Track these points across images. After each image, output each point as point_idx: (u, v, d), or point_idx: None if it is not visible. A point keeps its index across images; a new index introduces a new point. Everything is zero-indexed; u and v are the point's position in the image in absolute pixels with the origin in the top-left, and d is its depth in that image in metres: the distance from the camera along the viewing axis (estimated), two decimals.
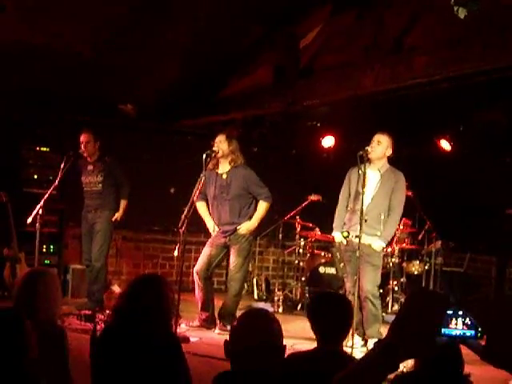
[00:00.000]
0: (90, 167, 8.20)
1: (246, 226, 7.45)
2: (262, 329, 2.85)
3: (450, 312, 1.90)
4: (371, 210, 6.70)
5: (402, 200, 6.91)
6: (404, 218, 8.81)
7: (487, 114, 8.71)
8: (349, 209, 6.97)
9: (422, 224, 9.43)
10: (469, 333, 1.92)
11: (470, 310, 1.92)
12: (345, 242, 6.87)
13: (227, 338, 2.91)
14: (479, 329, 1.91)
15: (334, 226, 7.10)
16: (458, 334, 1.91)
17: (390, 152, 6.87)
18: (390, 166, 6.93)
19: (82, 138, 8.09)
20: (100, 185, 8.16)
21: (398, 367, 1.84)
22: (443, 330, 1.89)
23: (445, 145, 9.50)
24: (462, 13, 4.86)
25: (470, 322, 1.92)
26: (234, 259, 7.51)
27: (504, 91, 7.53)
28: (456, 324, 1.91)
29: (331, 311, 3.67)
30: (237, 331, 2.90)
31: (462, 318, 1.92)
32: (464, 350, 2.13)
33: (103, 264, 8.19)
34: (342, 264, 6.88)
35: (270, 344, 2.82)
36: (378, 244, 6.77)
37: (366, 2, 6.53)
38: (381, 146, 6.81)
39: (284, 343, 2.91)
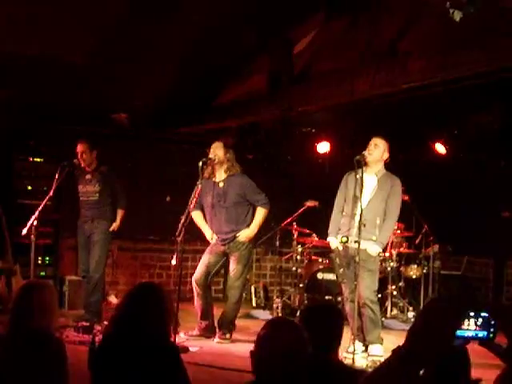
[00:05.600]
0: (88, 177, 8.15)
1: (246, 234, 7.42)
2: (292, 337, 2.81)
3: None
4: (367, 214, 6.66)
5: (397, 205, 6.88)
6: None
7: (482, 116, 8.71)
8: (344, 213, 6.93)
9: (419, 228, 9.41)
10: (481, 334, 1.90)
11: (491, 312, 1.90)
12: (340, 248, 6.83)
13: (252, 349, 2.86)
14: (491, 329, 1.89)
15: (329, 231, 7.06)
16: (470, 335, 1.89)
17: (386, 156, 6.86)
18: (386, 171, 6.91)
19: (78, 148, 8.05)
20: (97, 194, 8.10)
21: (418, 374, 1.82)
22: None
23: (440, 148, 9.51)
24: (457, 16, 4.85)
25: (481, 323, 1.90)
26: (233, 267, 7.48)
27: (498, 94, 7.53)
28: (468, 325, 1.89)
29: (320, 322, 3.66)
30: (265, 340, 2.84)
31: (474, 319, 1.90)
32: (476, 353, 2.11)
33: (101, 275, 8.13)
34: (341, 269, 6.83)
35: (299, 353, 2.78)
36: (374, 249, 6.74)
37: (361, 7, 6.52)
38: (378, 149, 6.79)
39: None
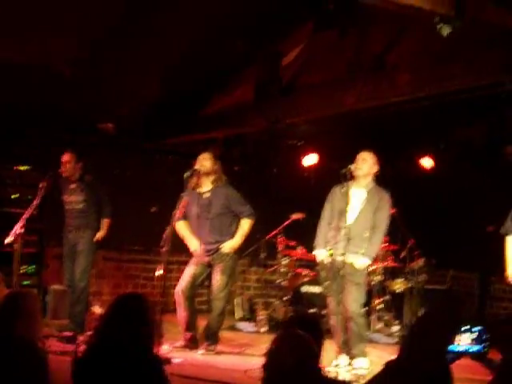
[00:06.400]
0: (72, 186, 8.10)
1: (230, 245, 7.39)
2: (302, 351, 2.78)
3: None
4: (356, 227, 6.66)
5: (386, 218, 6.87)
6: None
7: (468, 131, 8.75)
8: (332, 226, 6.91)
9: (405, 242, 9.40)
10: (474, 348, 1.89)
11: (486, 327, 1.89)
12: (328, 261, 6.80)
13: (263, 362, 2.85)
14: (484, 344, 1.88)
15: (315, 243, 7.03)
16: (463, 349, 1.88)
17: (375, 169, 6.85)
18: (375, 184, 6.91)
19: (64, 158, 8.01)
20: (82, 204, 8.05)
21: None
22: None
23: (426, 162, 9.53)
24: (445, 31, 4.86)
25: (474, 338, 1.89)
26: (217, 278, 7.44)
27: (484, 108, 7.57)
28: (461, 340, 1.88)
29: None
30: (275, 354, 2.81)
31: (468, 334, 1.89)
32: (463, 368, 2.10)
33: (86, 285, 8.08)
34: (327, 283, 6.81)
35: (308, 367, 2.76)
36: (362, 262, 6.72)
37: (349, 19, 6.53)
38: (366, 164, 6.79)
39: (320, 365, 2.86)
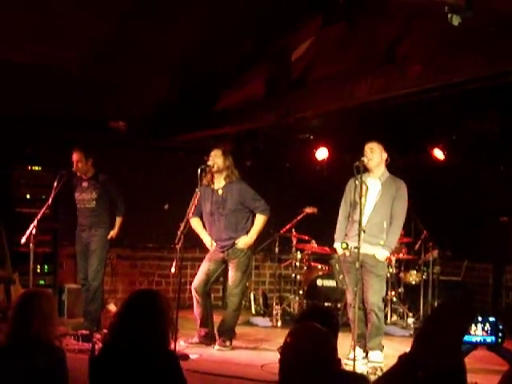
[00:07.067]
0: (85, 184, 8.12)
1: (244, 240, 7.39)
2: (318, 345, 2.77)
3: None
4: (373, 218, 6.65)
5: (403, 208, 6.85)
6: None
7: (480, 121, 8.70)
8: (350, 219, 6.90)
9: (419, 234, 9.39)
10: (489, 339, 1.88)
11: (501, 316, 1.88)
12: (347, 253, 6.77)
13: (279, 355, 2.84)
14: (499, 334, 1.88)
15: (335, 237, 7.01)
16: (478, 340, 1.88)
17: (385, 156, 6.84)
18: (390, 174, 6.89)
19: (73, 157, 8.02)
20: (94, 202, 8.07)
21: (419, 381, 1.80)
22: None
23: (438, 154, 9.49)
24: (455, 20, 4.82)
25: (489, 328, 1.88)
26: (232, 274, 7.45)
27: (496, 98, 7.52)
28: (475, 330, 1.87)
29: None
30: (291, 348, 2.80)
31: (482, 324, 1.88)
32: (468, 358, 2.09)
33: (100, 283, 8.10)
34: (341, 276, 6.80)
35: (325, 360, 2.74)
36: (383, 253, 6.71)
37: (358, 11, 6.50)
38: (375, 153, 6.78)
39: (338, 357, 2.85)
